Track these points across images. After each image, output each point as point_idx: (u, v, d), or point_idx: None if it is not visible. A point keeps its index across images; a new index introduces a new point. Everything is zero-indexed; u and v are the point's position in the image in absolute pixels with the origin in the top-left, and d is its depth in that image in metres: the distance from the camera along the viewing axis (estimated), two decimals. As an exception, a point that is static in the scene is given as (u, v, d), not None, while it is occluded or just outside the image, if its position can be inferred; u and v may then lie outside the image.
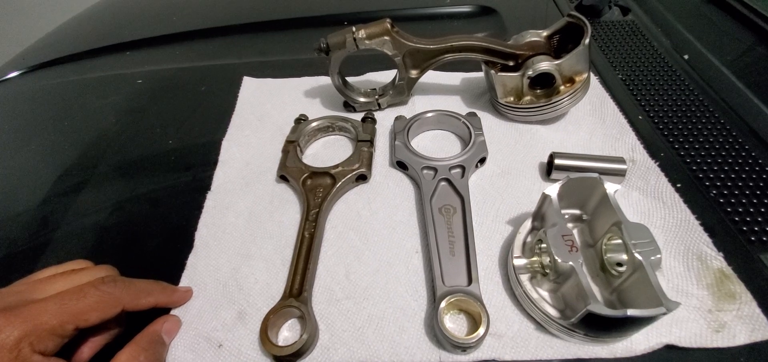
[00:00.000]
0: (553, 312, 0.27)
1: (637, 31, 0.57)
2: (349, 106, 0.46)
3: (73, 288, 0.26)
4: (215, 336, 0.29)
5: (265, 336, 0.27)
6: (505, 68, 0.41)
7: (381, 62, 0.50)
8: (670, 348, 0.27)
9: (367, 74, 0.50)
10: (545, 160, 0.38)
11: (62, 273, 0.28)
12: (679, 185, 0.36)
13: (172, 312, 0.31)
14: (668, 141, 0.41)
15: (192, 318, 0.30)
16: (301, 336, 0.27)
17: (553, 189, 0.29)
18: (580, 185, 0.29)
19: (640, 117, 0.44)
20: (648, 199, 0.35)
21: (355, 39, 0.39)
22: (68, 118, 0.55)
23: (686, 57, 0.52)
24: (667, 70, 0.50)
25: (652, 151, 0.39)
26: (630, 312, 0.22)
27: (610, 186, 0.28)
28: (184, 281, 0.33)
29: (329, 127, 0.44)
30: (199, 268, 0.33)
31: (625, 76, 0.50)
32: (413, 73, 0.42)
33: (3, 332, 0.22)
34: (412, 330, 0.29)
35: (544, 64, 0.38)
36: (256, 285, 0.32)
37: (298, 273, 0.31)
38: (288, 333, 0.29)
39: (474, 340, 0.26)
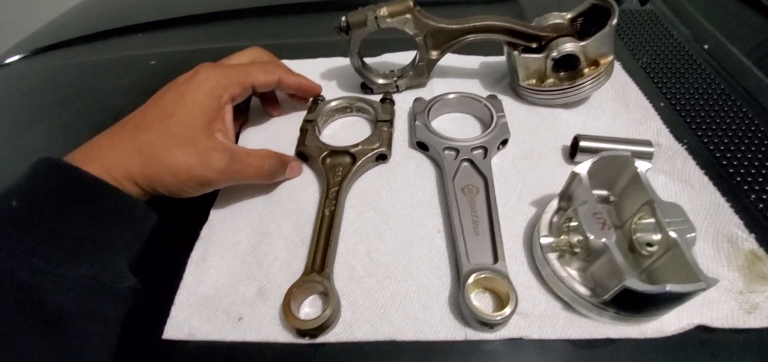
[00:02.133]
0: (583, 290, 0.26)
1: (656, 20, 0.57)
2: (366, 88, 0.45)
3: (249, 62, 0.38)
4: (235, 310, 0.29)
5: (288, 309, 0.27)
6: (528, 50, 0.40)
7: (399, 44, 0.49)
8: (700, 329, 0.27)
9: (384, 55, 0.50)
10: (568, 143, 0.38)
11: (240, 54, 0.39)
12: (703, 172, 0.36)
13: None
14: (690, 128, 0.41)
15: (209, 291, 0.30)
16: (325, 310, 0.27)
17: (582, 168, 0.28)
18: (610, 164, 0.29)
19: (661, 104, 0.43)
20: (675, 183, 0.34)
21: (376, 17, 0.38)
22: (81, 98, 0.54)
23: (706, 46, 0.51)
24: (687, 58, 0.50)
25: (677, 137, 0.39)
26: (669, 286, 0.22)
27: (642, 165, 0.28)
28: (198, 249, 0.32)
29: (347, 108, 0.43)
30: (214, 241, 0.33)
31: (645, 64, 0.49)
32: (433, 54, 0.42)
33: (212, 69, 0.34)
34: (436, 308, 0.28)
35: (569, 46, 0.37)
36: (275, 263, 0.31)
37: (320, 250, 0.31)
38: (309, 309, 0.29)
39: (503, 317, 0.26)
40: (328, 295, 0.28)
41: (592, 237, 0.25)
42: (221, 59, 0.39)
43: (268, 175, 0.34)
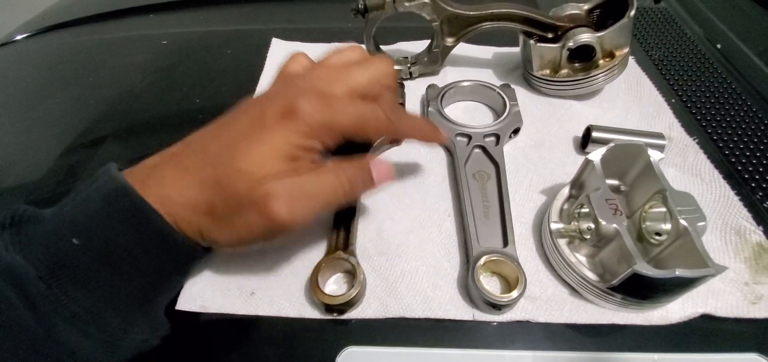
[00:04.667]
0: (591, 275, 0.27)
1: (669, 18, 0.56)
2: (379, 74, 0.45)
3: (370, 107, 0.26)
4: (247, 285, 0.29)
5: (316, 285, 0.27)
6: (543, 40, 0.40)
7: (413, 33, 0.49)
8: (704, 318, 0.27)
9: (398, 44, 0.50)
10: (579, 134, 0.38)
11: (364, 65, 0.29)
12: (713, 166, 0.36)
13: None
14: (701, 125, 0.41)
15: (222, 265, 0.30)
16: (353, 286, 0.27)
17: (596, 155, 0.29)
18: (623, 152, 0.29)
19: (673, 100, 0.43)
20: (685, 175, 0.34)
21: (394, 1, 0.38)
22: (92, 74, 0.55)
23: (718, 46, 0.51)
24: (699, 57, 0.50)
25: (687, 133, 0.39)
26: (678, 271, 0.22)
27: (655, 154, 0.28)
28: None
29: (359, 93, 0.43)
30: None
31: (657, 61, 0.49)
32: (449, 41, 0.42)
33: (317, 111, 0.24)
34: (445, 288, 0.29)
35: (586, 36, 0.37)
36: (287, 240, 0.32)
37: (342, 230, 0.31)
38: (334, 286, 0.29)
39: (511, 299, 0.26)
40: (354, 273, 0.28)
41: (603, 223, 0.26)
42: (328, 56, 0.31)
43: (348, 194, 0.26)
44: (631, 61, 0.46)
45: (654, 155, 0.28)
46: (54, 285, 0.19)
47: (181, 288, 0.29)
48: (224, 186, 0.23)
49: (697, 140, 0.37)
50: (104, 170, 0.22)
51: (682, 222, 0.25)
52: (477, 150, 0.36)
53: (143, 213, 0.21)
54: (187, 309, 0.28)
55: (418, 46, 0.47)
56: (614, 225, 0.25)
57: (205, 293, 0.29)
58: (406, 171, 0.36)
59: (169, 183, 0.23)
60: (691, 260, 0.24)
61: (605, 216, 0.26)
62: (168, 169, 0.24)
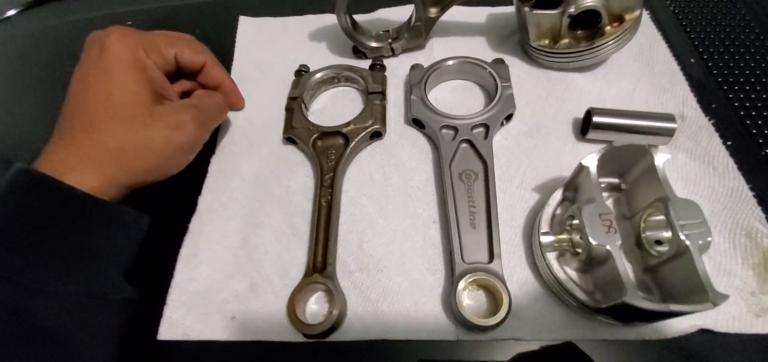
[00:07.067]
0: (581, 294, 0.25)
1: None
2: (358, 52, 0.41)
3: (173, 35, 0.33)
4: (227, 308, 0.29)
5: (294, 315, 0.26)
6: (541, 5, 0.35)
7: (394, -1, 0.44)
8: (703, 333, 0.25)
9: (379, 11, 0.44)
10: (580, 115, 0.34)
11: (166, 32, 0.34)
12: (729, 143, 0.32)
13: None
14: (722, 88, 0.36)
15: (201, 288, 0.30)
16: (331, 312, 0.26)
17: (591, 160, 0.25)
18: (624, 154, 0.26)
19: (692, 59, 0.38)
20: (696, 163, 0.31)
21: (365, -29, 0.33)
22: (56, 65, 0.51)
23: None
24: (726, 3, 0.43)
25: (704, 101, 0.34)
26: (673, 306, 0.20)
27: (660, 157, 0.25)
28: (188, 244, 0.32)
29: (334, 78, 0.39)
30: (204, 233, 0.32)
31: (677, 10, 0.43)
32: (433, 11, 0.37)
33: (127, 37, 0.29)
34: (429, 306, 0.28)
35: (590, 0, 0.32)
36: (266, 257, 0.31)
37: (320, 246, 0.29)
38: (316, 306, 0.28)
39: (494, 323, 0.25)
40: (332, 296, 0.27)
41: (594, 243, 0.23)
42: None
43: (227, 105, 0.36)
44: (647, 18, 0.40)
45: (659, 158, 0.25)
46: None
47: (161, 316, 0.29)
48: (119, 116, 0.28)
49: (712, 120, 0.33)
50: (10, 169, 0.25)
51: (684, 238, 0.23)
52: (464, 145, 0.33)
53: (45, 181, 0.24)
54: (169, 338, 0.28)
55: (402, 13, 0.42)
56: (607, 247, 0.23)
57: (186, 320, 0.29)
58: (388, 172, 0.34)
59: (65, 157, 0.26)
60: (690, 281, 0.22)
61: (597, 235, 0.23)
62: (61, 152, 0.26)
